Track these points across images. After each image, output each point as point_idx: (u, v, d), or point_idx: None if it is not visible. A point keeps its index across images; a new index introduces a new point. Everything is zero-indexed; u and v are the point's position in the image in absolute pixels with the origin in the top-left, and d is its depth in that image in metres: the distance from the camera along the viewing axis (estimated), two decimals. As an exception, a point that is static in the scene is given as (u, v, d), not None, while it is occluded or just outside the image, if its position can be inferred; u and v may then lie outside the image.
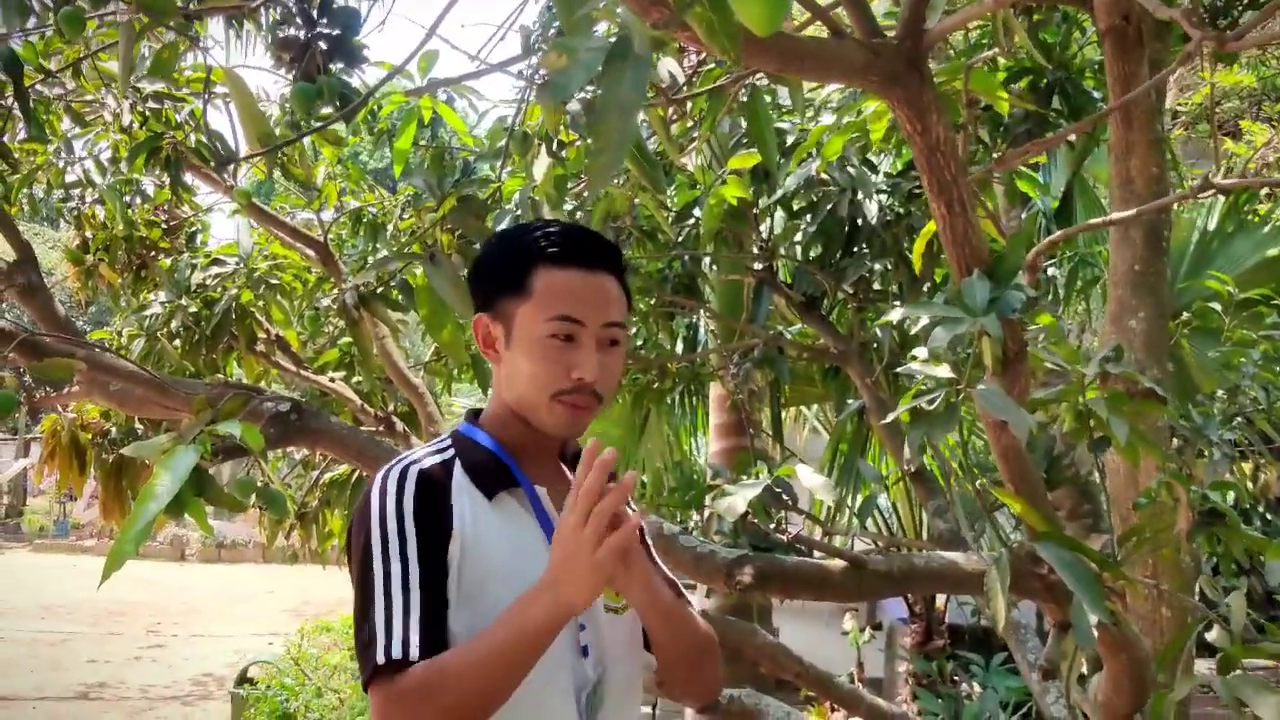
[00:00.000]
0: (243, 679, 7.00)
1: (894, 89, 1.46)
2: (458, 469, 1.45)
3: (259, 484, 1.90)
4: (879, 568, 2.01)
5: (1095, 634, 1.78)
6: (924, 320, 1.65)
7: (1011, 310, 1.64)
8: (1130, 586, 1.86)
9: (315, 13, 1.94)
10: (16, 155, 3.32)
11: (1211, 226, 5.14)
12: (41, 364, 1.87)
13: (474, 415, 1.56)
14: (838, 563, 2.01)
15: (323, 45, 1.95)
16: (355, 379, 4.27)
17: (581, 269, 1.47)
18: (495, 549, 1.41)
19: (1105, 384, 2.08)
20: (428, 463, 1.45)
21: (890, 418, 1.66)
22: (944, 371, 1.59)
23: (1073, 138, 4.03)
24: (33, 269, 2.35)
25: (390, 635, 1.31)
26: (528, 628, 1.30)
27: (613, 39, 0.80)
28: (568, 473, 1.53)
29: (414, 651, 1.30)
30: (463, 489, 1.43)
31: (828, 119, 3.20)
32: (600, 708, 1.46)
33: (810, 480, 1.91)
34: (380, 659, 1.30)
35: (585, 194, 3.30)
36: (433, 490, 1.41)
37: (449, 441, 1.51)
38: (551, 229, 1.53)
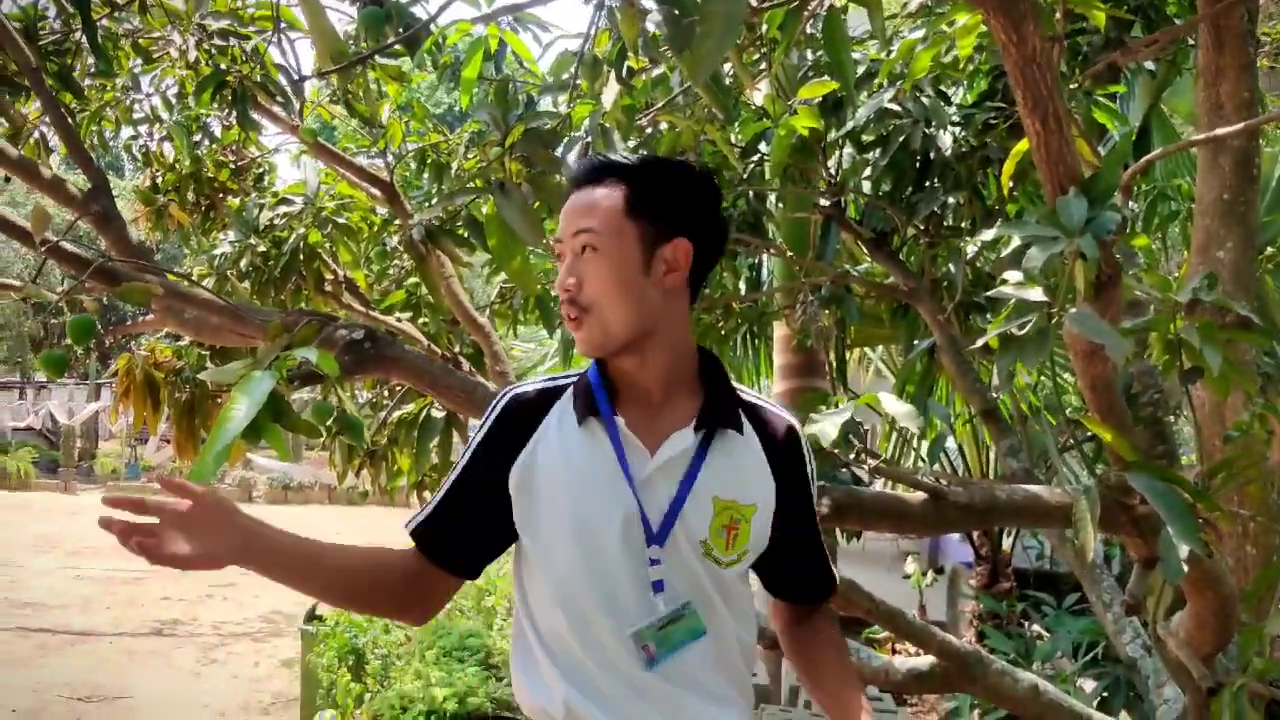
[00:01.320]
0: (311, 616, 7.12)
1: (989, -3, 1.40)
2: (565, 396, 1.57)
3: (335, 410, 1.90)
4: (960, 499, 1.96)
5: (1185, 568, 1.72)
6: (1015, 242, 1.60)
7: (1107, 231, 1.58)
8: (1223, 518, 1.80)
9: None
10: (86, 92, 3.34)
11: (1297, 160, 4.96)
12: (119, 288, 1.88)
13: None
14: (917, 495, 1.97)
15: (392, -31, 1.92)
16: (421, 320, 4.28)
17: (573, 190, 1.56)
18: (570, 466, 1.51)
19: (1193, 314, 2.01)
20: (533, 389, 1.59)
21: (980, 342, 1.61)
22: (1037, 294, 1.53)
23: (1151, 66, 3.89)
24: (107, 197, 2.36)
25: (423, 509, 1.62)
26: None
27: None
28: (694, 407, 1.56)
29: (412, 526, 1.61)
30: (565, 412, 1.55)
31: (909, 38, 3.11)
32: (679, 645, 1.44)
33: (894, 408, 1.86)
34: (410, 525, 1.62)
35: (649, 130, 3.25)
36: (518, 414, 1.57)
37: (576, 374, 1.62)
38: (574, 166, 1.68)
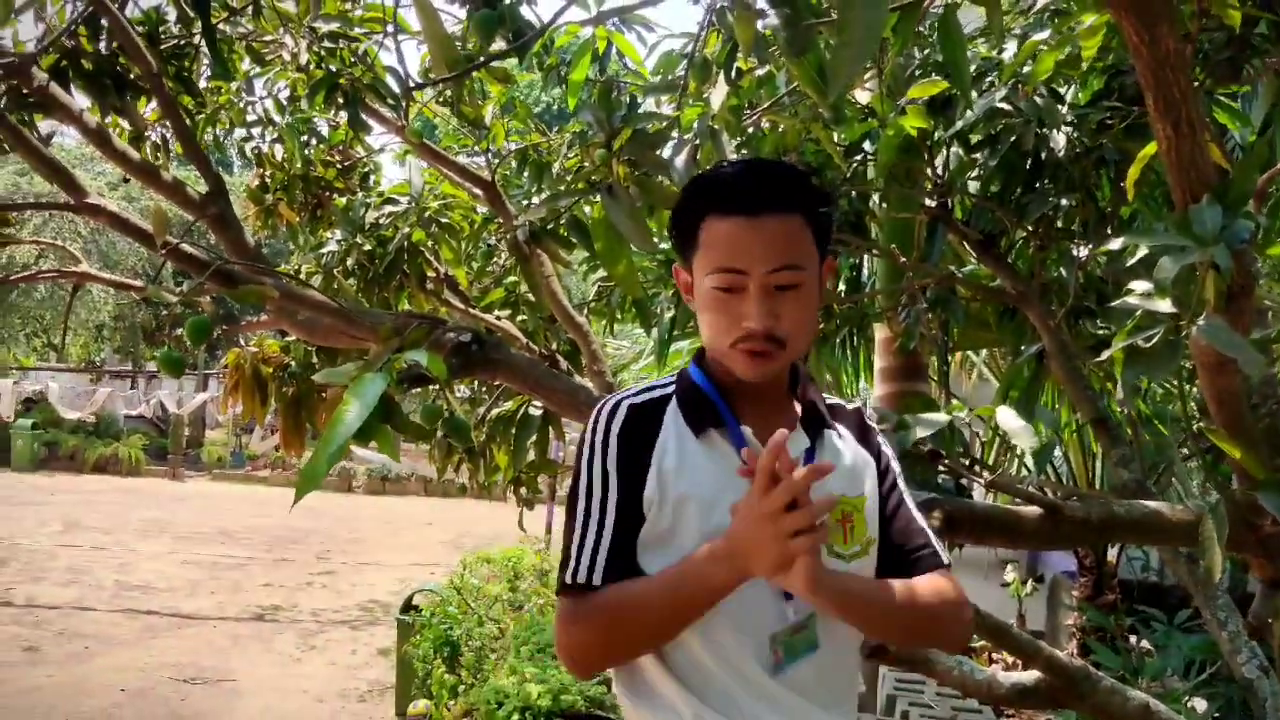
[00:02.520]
0: (408, 606, 7.24)
1: (1121, -4, 1.35)
2: (672, 405, 1.53)
3: (445, 413, 1.92)
4: (1076, 514, 1.91)
5: (1318, 592, 1.64)
6: (1142, 251, 1.54)
7: (1241, 240, 1.51)
8: (1362, 542, 1.72)
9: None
10: (202, 95, 3.43)
11: None
12: (236, 290, 1.92)
13: (701, 355, 1.61)
14: (1031, 509, 1.91)
15: (503, -27, 1.93)
16: (520, 318, 4.31)
17: (745, 215, 1.45)
18: (696, 482, 1.46)
19: (1327, 325, 1.92)
20: (642, 398, 1.55)
21: (1105, 355, 1.56)
22: (1166, 305, 1.48)
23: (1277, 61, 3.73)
24: (224, 200, 2.42)
25: (580, 559, 1.45)
26: (703, 585, 1.38)
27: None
28: (796, 412, 1.58)
29: (597, 578, 1.44)
30: (673, 424, 1.52)
31: (1014, 48, 3.04)
32: (801, 654, 1.44)
33: (1009, 423, 1.82)
34: (568, 579, 1.46)
35: (751, 129, 3.22)
36: (639, 424, 1.51)
37: (673, 380, 1.58)
38: (723, 173, 1.54)
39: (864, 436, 1.64)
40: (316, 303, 2.17)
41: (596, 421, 1.53)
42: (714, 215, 1.47)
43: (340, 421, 1.74)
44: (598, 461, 1.50)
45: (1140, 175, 2.52)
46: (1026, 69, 2.68)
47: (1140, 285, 1.54)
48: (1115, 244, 1.61)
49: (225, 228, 2.37)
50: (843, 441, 1.60)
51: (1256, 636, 2.38)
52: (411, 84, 2.66)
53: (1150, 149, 1.67)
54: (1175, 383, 4.95)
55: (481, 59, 2.11)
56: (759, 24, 1.84)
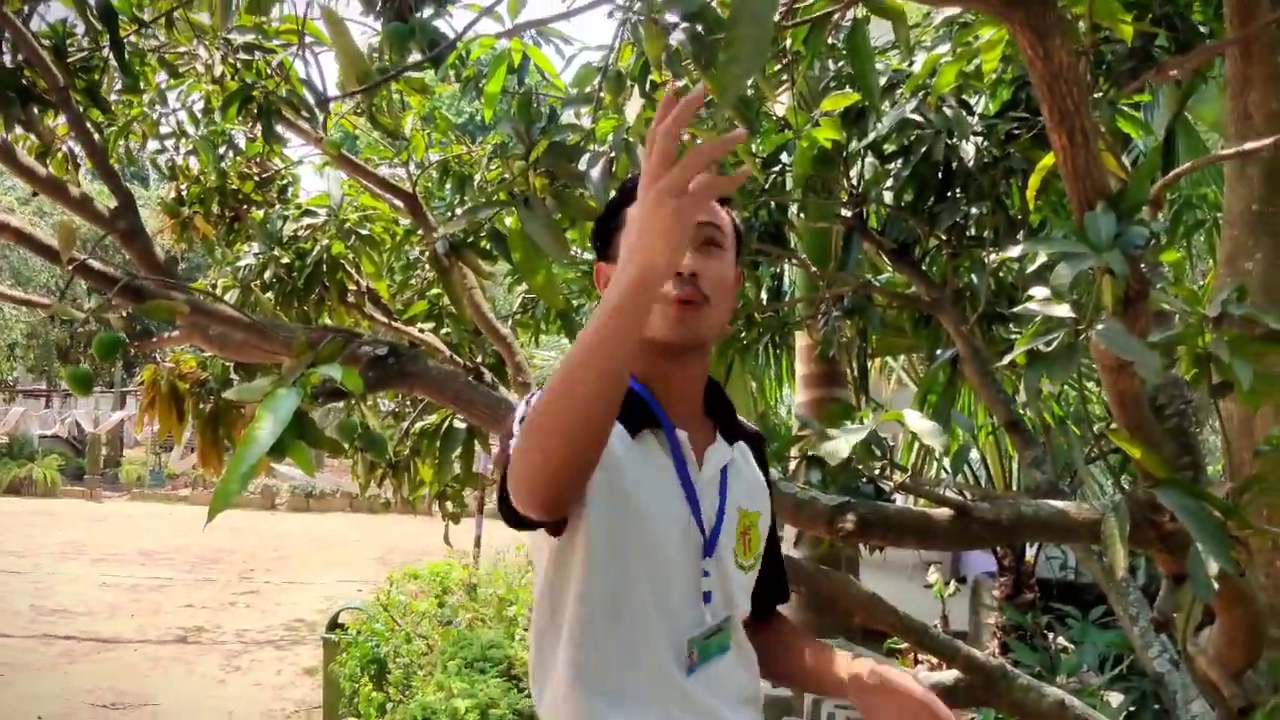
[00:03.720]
0: (334, 624, 7.15)
1: (1015, 11, 1.40)
2: None
3: (360, 427, 1.91)
4: (986, 515, 1.95)
5: (1215, 585, 1.71)
6: (1041, 258, 1.58)
7: (1135, 246, 1.57)
8: (1256, 536, 1.78)
9: (408, -48, 1.92)
10: (113, 107, 3.37)
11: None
12: (145, 306, 1.90)
13: None
14: (943, 510, 1.96)
15: (415, -15, 1.93)
16: (444, 330, 4.29)
17: None
18: (633, 484, 1.43)
19: (1222, 325, 1.99)
20: None
21: (1008, 359, 1.60)
22: (1064, 310, 1.52)
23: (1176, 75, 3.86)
24: (133, 214, 2.38)
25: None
26: (614, 290, 1.17)
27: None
28: (712, 422, 1.60)
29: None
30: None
31: (923, 59, 3.10)
32: (713, 656, 1.47)
33: (918, 425, 1.86)
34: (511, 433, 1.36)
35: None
36: None
37: None
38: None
39: (760, 460, 1.69)
40: (228, 318, 2.14)
41: (531, 395, 1.43)
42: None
43: (253, 439, 1.72)
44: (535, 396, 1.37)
45: (1048, 184, 2.60)
46: (932, 79, 2.74)
47: (1040, 291, 1.59)
48: (1015, 251, 1.65)
49: (135, 242, 2.33)
50: (745, 455, 1.65)
51: (1163, 630, 2.45)
52: (325, 97, 2.63)
53: (1050, 159, 1.72)
54: (1087, 386, 5.08)
55: (393, 72, 2.10)
56: (670, 39, 1.87)
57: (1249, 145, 2.03)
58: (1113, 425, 2.04)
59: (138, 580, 11.98)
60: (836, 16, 2.25)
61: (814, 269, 4.19)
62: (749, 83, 2.90)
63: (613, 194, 1.72)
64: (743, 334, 5.05)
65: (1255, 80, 2.65)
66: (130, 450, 22.93)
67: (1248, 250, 2.65)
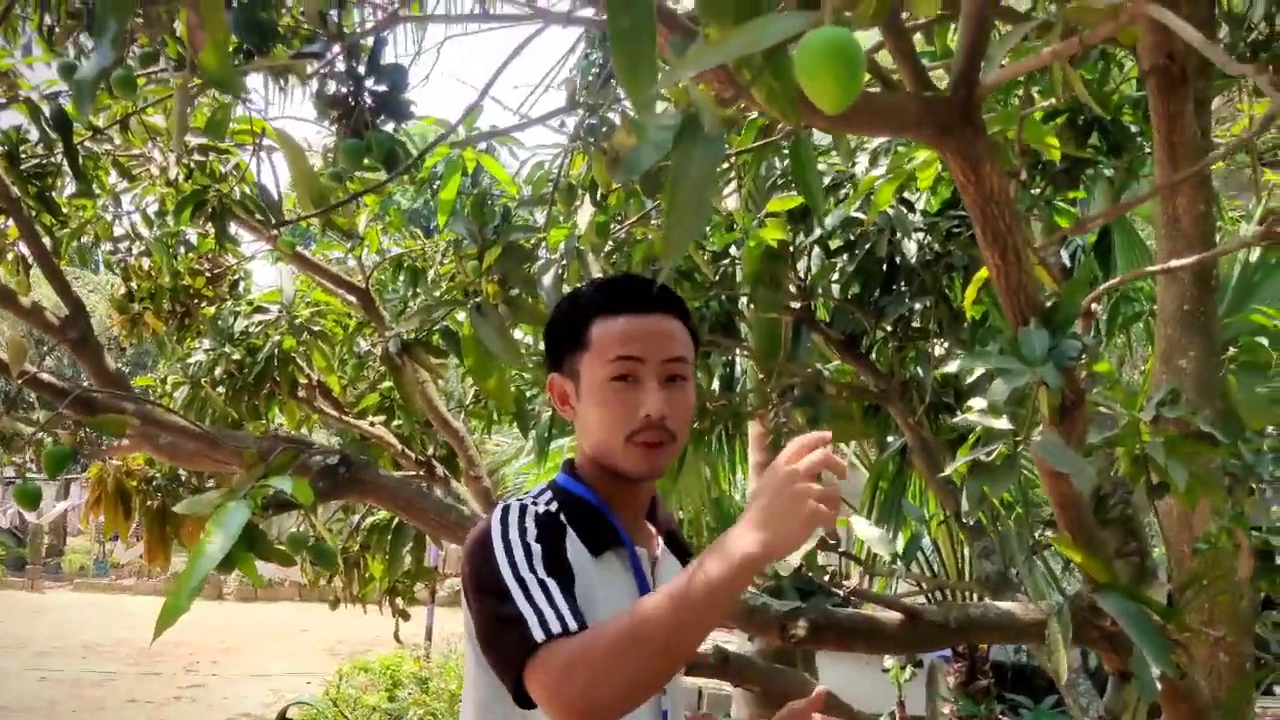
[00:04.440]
0: (282, 718, 6.98)
1: (947, 140, 1.46)
2: (562, 520, 1.45)
3: (310, 540, 1.91)
4: (934, 618, 1.98)
5: (1159, 685, 1.74)
6: (979, 371, 1.64)
7: (1069, 359, 1.62)
8: (1195, 639, 1.82)
9: (362, 70, 1.97)
10: (65, 210, 3.37)
11: (1254, 259, 5.07)
12: (95, 419, 1.89)
13: (570, 466, 1.57)
14: (892, 614, 1.98)
15: (370, 102, 1.97)
16: (395, 423, 4.28)
17: (635, 313, 1.49)
18: (603, 608, 1.37)
19: (1158, 425, 2.05)
20: (541, 508, 1.45)
21: (949, 470, 1.64)
22: (1002, 423, 1.57)
23: (1110, 172, 4.00)
24: (84, 323, 2.38)
25: (543, 614, 1.27)
26: (730, 565, 1.19)
27: (682, 116, 0.80)
28: (655, 535, 1.59)
29: (572, 624, 1.26)
30: (573, 539, 1.44)
31: (865, 161, 3.20)
32: None
33: (866, 532, 1.89)
34: (539, 636, 1.25)
35: (625, 235, 3.31)
36: (554, 531, 1.42)
37: (550, 494, 1.51)
38: (606, 282, 1.59)
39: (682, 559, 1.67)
40: (179, 428, 2.14)
41: (506, 522, 1.40)
42: (604, 315, 1.50)
43: (203, 553, 1.73)
44: (519, 552, 1.36)
45: (988, 285, 2.67)
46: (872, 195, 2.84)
47: (978, 402, 1.63)
48: (952, 367, 1.70)
49: (86, 351, 2.33)
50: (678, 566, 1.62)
51: (1111, 726, 2.48)
52: (277, 216, 2.66)
53: (984, 273, 1.78)
54: (1034, 474, 5.15)
55: (351, 196, 2.14)
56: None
57: (1174, 263, 2.11)
58: (1053, 520, 2.09)
59: (79, 675, 11.63)
60: (778, 136, 2.32)
61: (764, 359, 4.25)
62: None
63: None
64: (695, 423, 5.09)
65: (1182, 184, 2.76)
66: (74, 539, 22.41)
67: (1181, 348, 2.73)
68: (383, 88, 1.95)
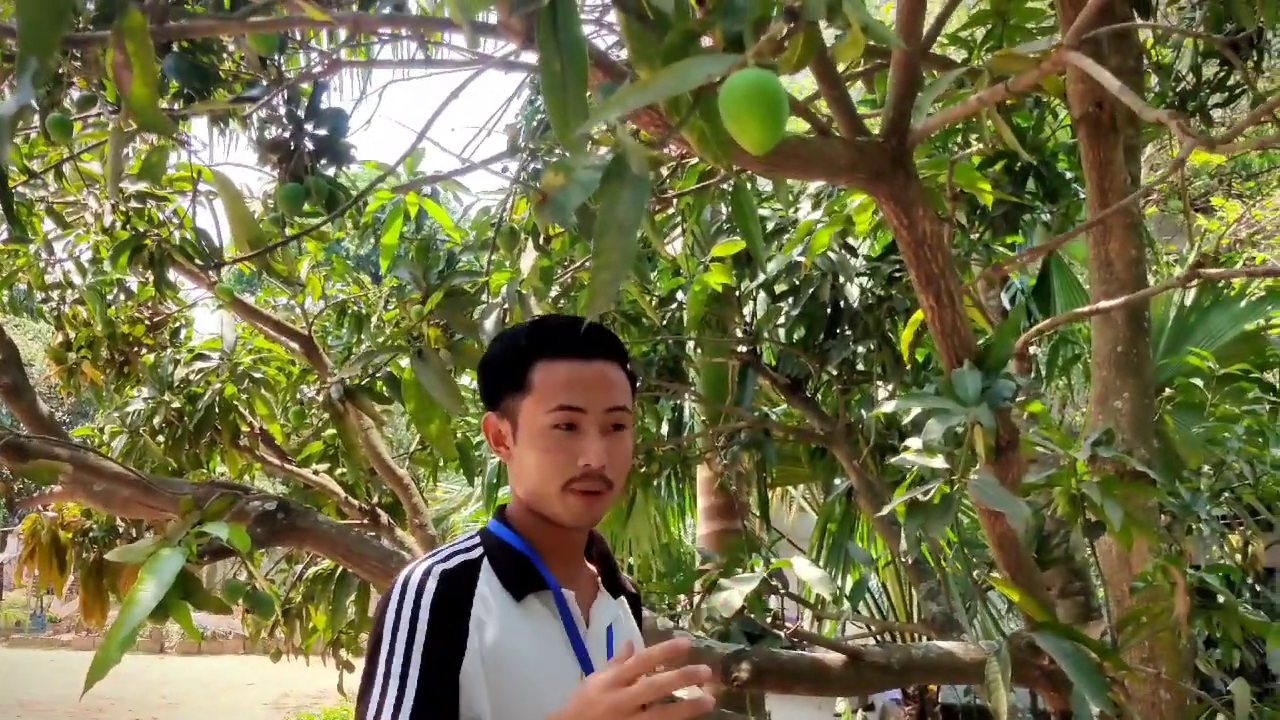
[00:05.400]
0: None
1: (880, 185, 1.48)
2: (485, 569, 1.43)
3: (247, 587, 1.87)
4: (877, 660, 1.98)
5: (1098, 723, 1.75)
6: (915, 411, 1.65)
7: (1002, 400, 1.65)
8: (1133, 678, 1.84)
9: (303, 114, 1.96)
10: (-2, 257, 3.32)
11: (1189, 301, 5.19)
12: (26, 466, 1.85)
13: (502, 512, 1.53)
14: (836, 656, 1.98)
15: (310, 146, 1.97)
16: (339, 471, 4.23)
17: (578, 359, 1.47)
18: (523, 656, 1.37)
19: (1094, 465, 2.08)
20: (453, 563, 1.43)
21: (886, 510, 1.65)
22: (938, 463, 1.59)
23: (1047, 216, 4.09)
24: (16, 369, 2.34)
25: (380, 709, 1.29)
26: None
27: (610, 157, 0.81)
28: (594, 572, 1.55)
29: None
30: (489, 591, 1.41)
31: (808, 207, 3.25)
32: None
33: (807, 573, 1.89)
34: None
35: (570, 279, 3.32)
36: (452, 595, 1.39)
37: (477, 540, 1.48)
38: (547, 324, 1.56)
39: (635, 610, 1.66)
40: (113, 474, 2.10)
41: (404, 594, 1.39)
42: (546, 359, 1.46)
43: (135, 602, 1.69)
44: (402, 633, 1.36)
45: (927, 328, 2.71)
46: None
47: (915, 442, 1.65)
48: (889, 407, 1.72)
49: (18, 397, 2.29)
50: (627, 617, 1.61)
51: (1054, 765, 2.48)
52: (214, 259, 2.64)
53: (920, 316, 1.81)
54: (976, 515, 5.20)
55: (289, 238, 2.13)
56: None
57: (1104, 304, 2.16)
58: (993, 563, 2.11)
59: (13, 735, 11.28)
60: (717, 181, 2.35)
61: (711, 403, 4.27)
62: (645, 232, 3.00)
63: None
64: (643, 467, 5.08)
65: (1114, 229, 2.83)
66: (10, 593, 21.81)
67: (1116, 390, 2.79)
68: (323, 132, 1.94)
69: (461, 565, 1.43)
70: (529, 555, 1.46)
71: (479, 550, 1.46)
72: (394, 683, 1.32)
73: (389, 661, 1.34)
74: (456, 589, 1.40)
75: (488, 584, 1.42)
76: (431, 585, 1.39)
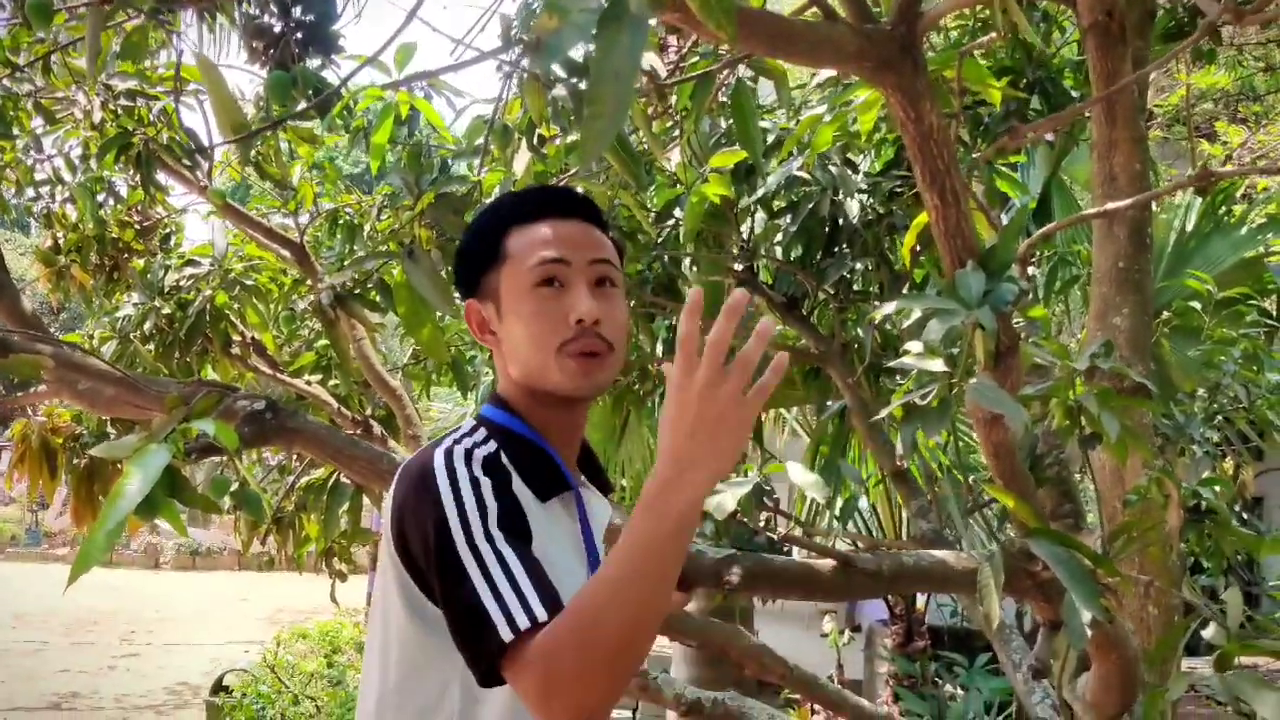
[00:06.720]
0: (218, 687, 6.91)
1: (887, 75, 1.44)
2: (505, 463, 1.28)
3: (234, 484, 1.85)
4: (868, 567, 1.98)
5: (1088, 632, 1.75)
6: (916, 314, 1.62)
7: (1005, 303, 1.62)
8: (1123, 583, 1.83)
9: (290, 1, 1.90)
10: (-16, 153, 3.26)
11: (1189, 227, 5.16)
12: (7, 361, 1.82)
13: (497, 398, 1.40)
14: (826, 562, 1.97)
15: (298, 34, 1.90)
16: (332, 382, 4.21)
17: (555, 219, 1.37)
18: (553, 561, 1.23)
19: (1092, 380, 2.06)
20: (481, 451, 1.28)
21: (884, 413, 1.64)
22: (938, 365, 1.56)
23: (1050, 137, 4.03)
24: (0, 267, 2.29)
25: (507, 607, 1.13)
26: (668, 521, 1.06)
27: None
28: (583, 478, 1.45)
29: (541, 613, 1.12)
30: (518, 489, 1.27)
31: (812, 113, 3.18)
32: None
33: (800, 477, 1.87)
34: (507, 635, 1.11)
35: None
36: (504, 478, 1.26)
37: (484, 432, 1.33)
38: (517, 193, 1.47)
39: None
40: (98, 372, 2.07)
41: (452, 467, 1.23)
42: (520, 225, 1.37)
43: (120, 495, 1.66)
44: (470, 503, 1.20)
45: (929, 241, 2.67)
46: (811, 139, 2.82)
47: (915, 346, 1.62)
48: (889, 308, 1.69)
49: (1, 295, 2.24)
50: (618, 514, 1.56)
51: (1042, 677, 2.50)
52: (199, 146, 2.58)
53: (924, 218, 1.77)
54: (972, 436, 5.21)
55: (272, 121, 2.07)
56: (552, 94, 1.88)
57: (1110, 205, 2.12)
58: (989, 476, 2.09)
59: (9, 645, 11.41)
60: (723, 75, 2.29)
61: (706, 322, 4.23)
62: (643, 137, 2.94)
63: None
64: (637, 386, 5.07)
65: (1119, 143, 2.77)
66: (4, 508, 21.95)
67: (1116, 306, 2.76)
68: (310, 18, 1.88)
69: (492, 455, 1.28)
70: (549, 451, 1.36)
71: (493, 444, 1.30)
72: (493, 561, 1.17)
73: (473, 543, 1.18)
74: (503, 472, 1.26)
75: (515, 480, 1.28)
76: (479, 468, 1.25)
